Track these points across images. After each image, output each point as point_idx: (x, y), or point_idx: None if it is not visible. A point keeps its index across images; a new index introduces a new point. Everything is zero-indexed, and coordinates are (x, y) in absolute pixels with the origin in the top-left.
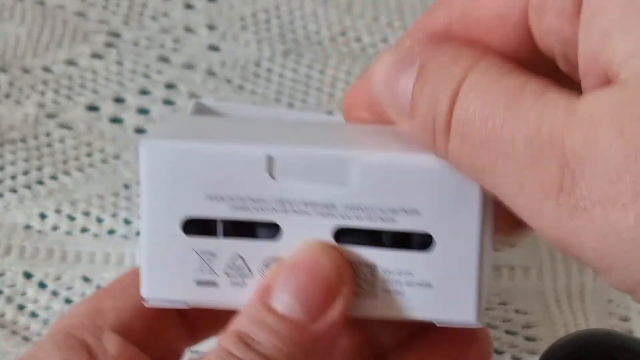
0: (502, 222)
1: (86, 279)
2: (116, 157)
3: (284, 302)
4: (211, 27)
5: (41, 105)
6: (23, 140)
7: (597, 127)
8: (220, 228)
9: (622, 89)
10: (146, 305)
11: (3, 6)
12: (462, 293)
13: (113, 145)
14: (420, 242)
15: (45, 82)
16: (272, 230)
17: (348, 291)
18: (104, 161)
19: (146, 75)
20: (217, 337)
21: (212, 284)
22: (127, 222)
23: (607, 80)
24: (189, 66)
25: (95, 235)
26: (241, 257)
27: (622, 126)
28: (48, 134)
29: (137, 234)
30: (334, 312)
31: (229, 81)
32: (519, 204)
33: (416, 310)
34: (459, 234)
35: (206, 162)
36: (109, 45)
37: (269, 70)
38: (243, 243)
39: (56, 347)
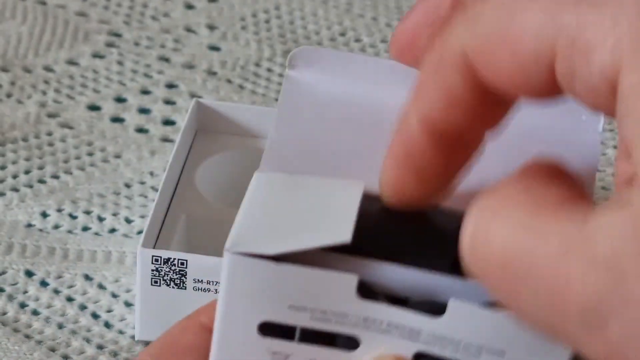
0: None
1: (87, 278)
2: (117, 156)
3: None
4: (212, 27)
5: (43, 105)
6: (24, 139)
7: (621, 276)
8: (298, 333)
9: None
10: None
11: (5, 6)
12: None
13: (114, 145)
14: None
15: (46, 82)
16: (350, 341)
17: None
18: (105, 160)
19: (147, 75)
20: None
21: None
22: (128, 220)
23: (632, 178)
24: (190, 66)
25: (97, 234)
26: None
27: None
28: (49, 133)
29: (138, 232)
30: None
31: (229, 81)
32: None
33: None
34: None
35: (292, 279)
36: (110, 45)
37: (269, 70)
38: (319, 350)
39: None
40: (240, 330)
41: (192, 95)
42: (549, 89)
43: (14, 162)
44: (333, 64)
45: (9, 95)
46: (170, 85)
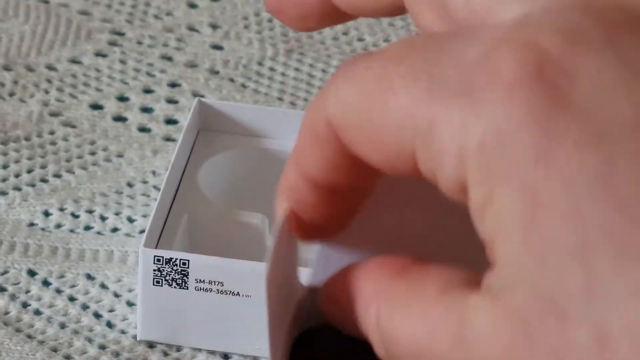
0: None
1: (90, 277)
2: (120, 155)
3: None
4: (214, 26)
5: (45, 104)
6: (27, 138)
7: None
8: None
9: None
10: None
11: (7, 4)
12: None
13: (117, 144)
14: None
15: (49, 81)
16: None
17: None
18: (108, 159)
19: (149, 74)
20: None
21: None
22: (130, 220)
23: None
24: (192, 65)
25: (99, 233)
26: None
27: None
28: (52, 132)
29: (140, 232)
30: None
31: (232, 80)
32: None
33: None
34: None
35: None
36: (112, 43)
37: (272, 70)
38: None
39: None
40: None
41: (195, 94)
42: (419, 175)
43: (16, 161)
44: None
45: (11, 94)
46: (173, 84)
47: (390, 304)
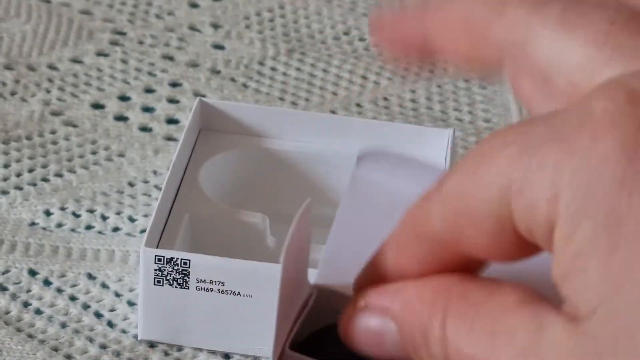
0: None
1: (91, 277)
2: (121, 154)
3: None
4: (216, 26)
5: (46, 103)
6: (28, 138)
7: None
8: None
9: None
10: None
11: (9, 4)
12: None
13: (118, 143)
14: None
15: (50, 80)
16: None
17: None
18: (109, 159)
19: (151, 74)
20: None
21: None
22: (131, 219)
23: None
24: (194, 64)
25: (100, 233)
26: None
27: None
28: (53, 132)
29: (141, 231)
30: None
31: (233, 80)
32: None
33: None
34: None
35: None
36: (114, 43)
37: (273, 69)
38: None
39: None
40: None
41: (196, 93)
42: (523, 247)
43: (17, 161)
44: (400, 166)
45: (13, 94)
46: (174, 84)
47: (461, 313)
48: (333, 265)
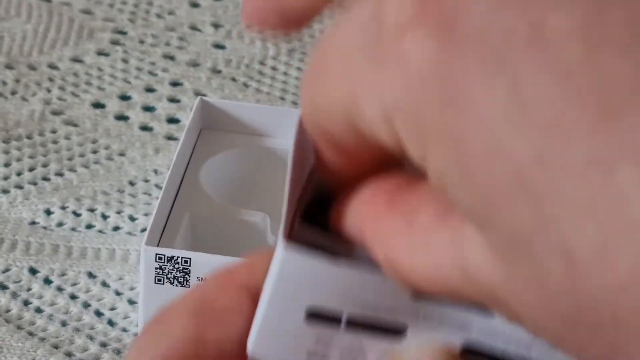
0: None
1: (91, 275)
2: (121, 154)
3: None
4: (216, 25)
5: (47, 102)
6: (29, 137)
7: None
8: (344, 321)
9: None
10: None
11: (10, 3)
12: None
13: (118, 142)
14: None
15: (51, 79)
16: (400, 327)
17: None
18: (110, 158)
19: (152, 73)
20: None
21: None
22: (132, 218)
23: None
24: (195, 64)
25: (101, 232)
26: (361, 349)
27: None
28: (54, 131)
29: (142, 230)
30: None
31: (234, 79)
32: None
33: None
34: None
35: (347, 280)
36: (115, 42)
37: (274, 69)
38: (367, 336)
39: None
40: (286, 317)
41: (197, 93)
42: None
43: (18, 160)
44: None
45: (13, 93)
46: (175, 83)
47: (393, 241)
48: None
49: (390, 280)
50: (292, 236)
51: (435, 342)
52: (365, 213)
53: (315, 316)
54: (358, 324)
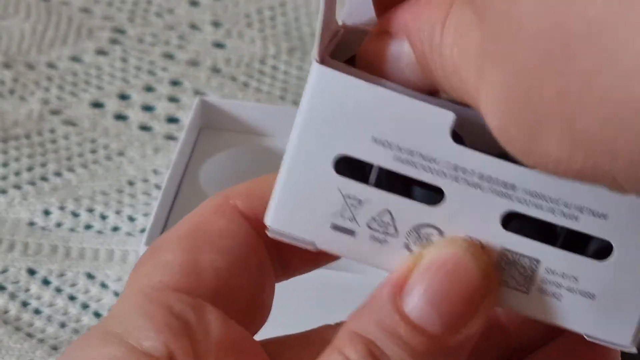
0: None
1: (90, 276)
2: (120, 153)
3: (419, 308)
4: (216, 24)
5: (45, 102)
6: (27, 137)
7: None
8: (374, 175)
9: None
10: (268, 234)
11: (8, 2)
12: (625, 314)
13: (117, 142)
14: (597, 249)
15: (49, 79)
16: (433, 195)
17: (491, 302)
18: (108, 158)
19: (151, 72)
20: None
21: (349, 232)
22: (131, 219)
23: None
24: (194, 63)
25: (99, 232)
26: (390, 214)
27: None
28: (52, 131)
29: (141, 231)
30: (473, 326)
31: (233, 78)
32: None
33: (569, 318)
34: None
35: (383, 106)
36: (113, 41)
37: (274, 68)
38: (397, 200)
39: (154, 326)
40: (315, 162)
41: (196, 92)
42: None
43: (16, 160)
44: None
45: (11, 92)
46: (174, 83)
47: (457, 19)
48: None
49: (431, 110)
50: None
51: (457, 237)
52: (408, 12)
53: (345, 167)
54: (390, 182)
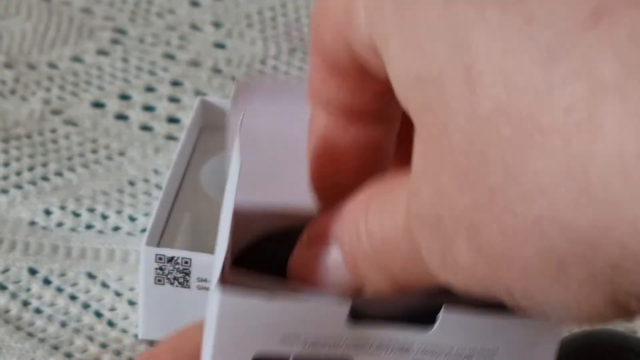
0: None
1: (91, 276)
2: (121, 153)
3: None
4: (217, 25)
5: (46, 102)
6: (28, 137)
7: None
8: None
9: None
10: None
11: (9, 2)
12: None
13: (118, 142)
14: None
15: (50, 79)
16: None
17: None
18: (109, 158)
19: (152, 72)
20: None
21: None
22: (132, 219)
23: None
24: (195, 63)
25: (100, 232)
26: None
27: None
28: (53, 131)
29: (142, 231)
30: None
31: (234, 79)
32: None
33: None
34: None
35: (285, 312)
36: (114, 41)
37: (275, 68)
38: None
39: None
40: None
41: (197, 92)
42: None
43: (17, 159)
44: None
45: (12, 92)
46: (175, 83)
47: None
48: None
49: (327, 307)
50: (226, 281)
51: None
52: (332, 221)
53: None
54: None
